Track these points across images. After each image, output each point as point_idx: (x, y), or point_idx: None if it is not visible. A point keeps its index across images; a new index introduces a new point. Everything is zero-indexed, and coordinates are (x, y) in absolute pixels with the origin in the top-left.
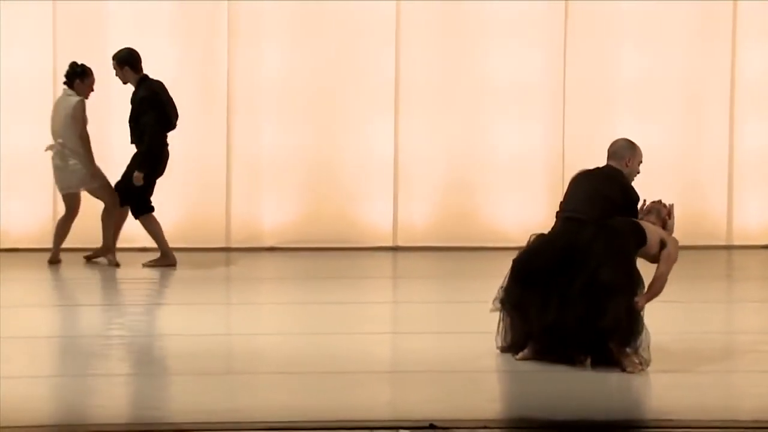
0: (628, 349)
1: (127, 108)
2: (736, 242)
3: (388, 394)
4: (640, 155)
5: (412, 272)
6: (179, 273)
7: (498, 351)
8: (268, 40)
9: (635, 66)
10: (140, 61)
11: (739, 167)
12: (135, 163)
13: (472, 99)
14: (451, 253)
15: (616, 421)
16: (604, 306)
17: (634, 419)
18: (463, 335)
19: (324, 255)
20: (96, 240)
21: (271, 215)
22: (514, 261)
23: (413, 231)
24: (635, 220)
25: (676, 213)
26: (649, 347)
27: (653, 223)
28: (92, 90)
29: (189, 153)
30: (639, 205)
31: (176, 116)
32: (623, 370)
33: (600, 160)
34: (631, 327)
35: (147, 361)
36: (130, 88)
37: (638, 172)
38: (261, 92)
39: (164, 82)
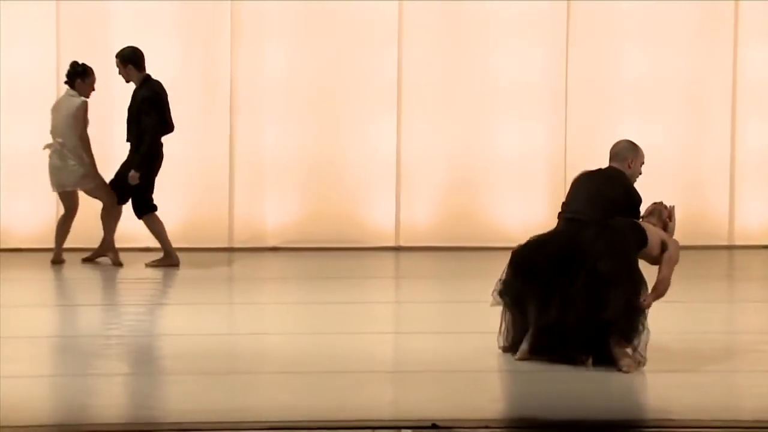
0: (628, 350)
1: None
2: (738, 242)
3: (391, 393)
4: (642, 156)
5: (415, 272)
6: (182, 273)
7: (500, 351)
8: (270, 40)
9: (637, 66)
10: (144, 60)
11: (741, 167)
12: (131, 162)
13: (475, 99)
14: (454, 253)
15: (617, 421)
16: (604, 298)
17: (635, 419)
18: (465, 335)
19: (326, 255)
20: (98, 240)
21: (273, 215)
22: (513, 253)
23: (415, 231)
24: (636, 221)
25: (677, 214)
26: (646, 346)
27: (654, 225)
28: (93, 89)
29: (192, 153)
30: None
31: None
32: (619, 369)
33: (602, 160)
34: (631, 323)
35: (149, 360)
36: (132, 87)
37: (640, 173)
38: (264, 92)
39: (167, 82)
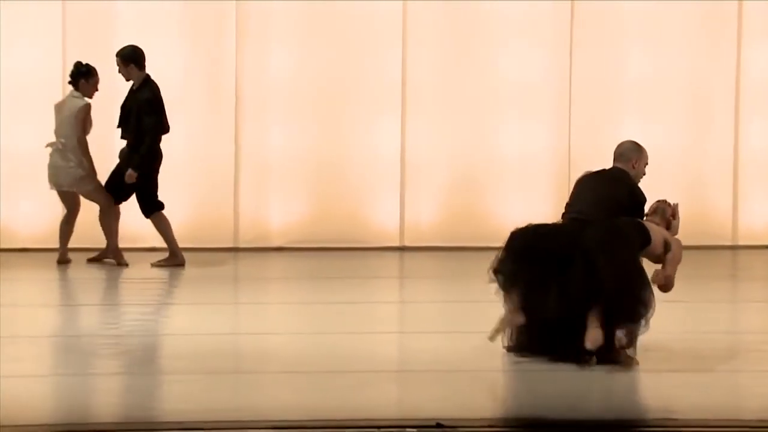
0: (628, 351)
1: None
2: (741, 242)
3: (395, 393)
4: (646, 157)
5: (419, 272)
6: (188, 273)
7: (504, 350)
8: (276, 40)
9: (641, 66)
10: (144, 59)
11: (744, 167)
12: (129, 162)
13: (479, 99)
14: (458, 253)
15: (620, 421)
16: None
17: (638, 419)
18: (469, 335)
19: (331, 255)
20: (103, 240)
21: (279, 215)
22: (512, 233)
23: (420, 231)
24: (639, 220)
25: (681, 213)
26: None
27: (657, 224)
28: (97, 89)
29: (197, 153)
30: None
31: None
32: (617, 362)
33: (606, 160)
34: (633, 306)
35: (153, 360)
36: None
37: (644, 174)
38: (269, 92)
39: (172, 82)
